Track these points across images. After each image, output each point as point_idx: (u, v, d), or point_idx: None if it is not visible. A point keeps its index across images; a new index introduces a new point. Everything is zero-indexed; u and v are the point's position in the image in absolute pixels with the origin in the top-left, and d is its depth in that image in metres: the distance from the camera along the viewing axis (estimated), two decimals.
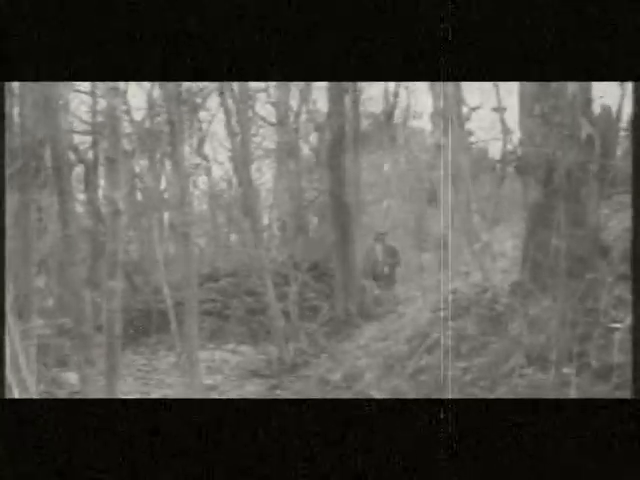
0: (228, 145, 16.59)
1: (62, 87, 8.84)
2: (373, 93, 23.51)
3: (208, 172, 19.85)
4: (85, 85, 14.72)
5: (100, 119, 15.44)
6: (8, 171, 6.26)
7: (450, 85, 8.48)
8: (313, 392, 6.98)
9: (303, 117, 18.47)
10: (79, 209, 13.73)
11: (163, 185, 17.00)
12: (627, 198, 4.17)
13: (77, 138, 16.19)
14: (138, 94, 17.84)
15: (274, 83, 15.25)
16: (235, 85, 12.52)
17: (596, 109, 6.61)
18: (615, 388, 4.39)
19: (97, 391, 5.18)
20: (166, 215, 17.11)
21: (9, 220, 7.79)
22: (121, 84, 5.46)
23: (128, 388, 8.70)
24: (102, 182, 16.99)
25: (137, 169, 17.07)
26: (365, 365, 6.62)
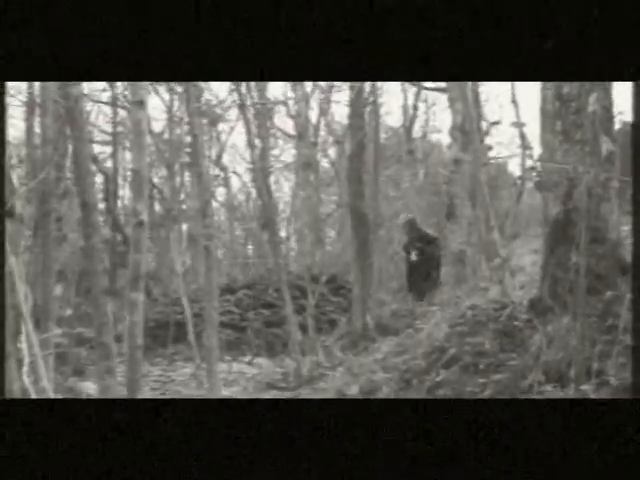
0: (247, 157, 16.67)
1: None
2: (392, 107, 23.67)
3: (226, 184, 19.94)
4: (105, 96, 14.86)
5: (120, 129, 15.57)
6: (32, 183, 6.33)
7: (469, 99, 8.46)
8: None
9: (322, 130, 18.55)
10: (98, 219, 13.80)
11: (182, 196, 17.10)
12: None
13: (96, 148, 16.35)
14: (157, 106, 18.03)
15: (293, 96, 15.33)
16: (255, 97, 12.59)
17: (616, 125, 6.60)
18: None
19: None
20: (184, 226, 17.19)
21: (29, 230, 7.86)
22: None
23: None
24: (121, 192, 17.15)
25: (155, 180, 17.19)
26: (382, 379, 6.59)
